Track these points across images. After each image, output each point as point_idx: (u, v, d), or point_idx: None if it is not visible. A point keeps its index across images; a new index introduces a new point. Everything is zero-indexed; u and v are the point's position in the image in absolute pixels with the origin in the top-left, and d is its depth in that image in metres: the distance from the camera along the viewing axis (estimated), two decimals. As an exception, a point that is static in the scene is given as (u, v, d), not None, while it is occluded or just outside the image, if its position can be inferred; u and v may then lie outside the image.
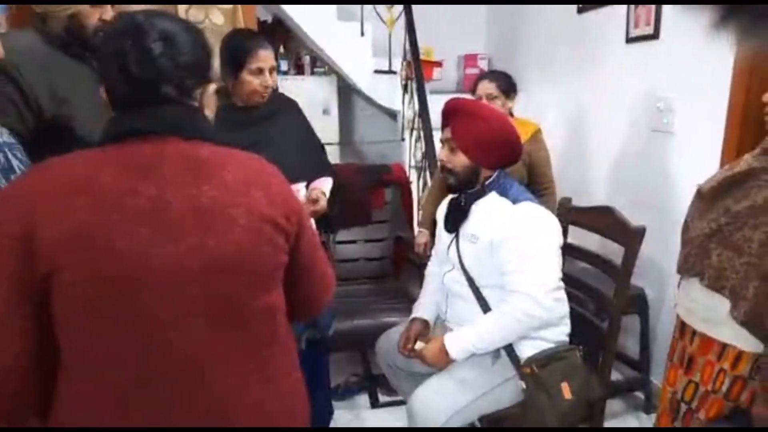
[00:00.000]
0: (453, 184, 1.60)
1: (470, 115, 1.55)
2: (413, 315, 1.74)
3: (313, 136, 1.89)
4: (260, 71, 1.59)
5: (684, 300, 1.33)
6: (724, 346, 1.22)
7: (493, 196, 1.56)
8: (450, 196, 1.70)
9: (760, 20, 0.50)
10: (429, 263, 1.86)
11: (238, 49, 1.59)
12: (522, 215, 1.50)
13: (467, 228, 1.58)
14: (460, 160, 1.56)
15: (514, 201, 1.52)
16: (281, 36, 3.77)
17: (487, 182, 1.58)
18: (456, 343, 1.49)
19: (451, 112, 1.59)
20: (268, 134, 1.65)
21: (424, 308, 1.75)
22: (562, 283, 1.58)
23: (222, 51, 1.62)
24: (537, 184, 2.24)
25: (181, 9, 2.83)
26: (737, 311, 1.16)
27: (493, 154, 1.56)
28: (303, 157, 1.76)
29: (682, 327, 1.33)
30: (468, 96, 2.17)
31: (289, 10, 3.39)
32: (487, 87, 2.17)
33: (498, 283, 1.51)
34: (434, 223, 2.48)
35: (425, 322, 1.72)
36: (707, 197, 1.27)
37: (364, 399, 2.37)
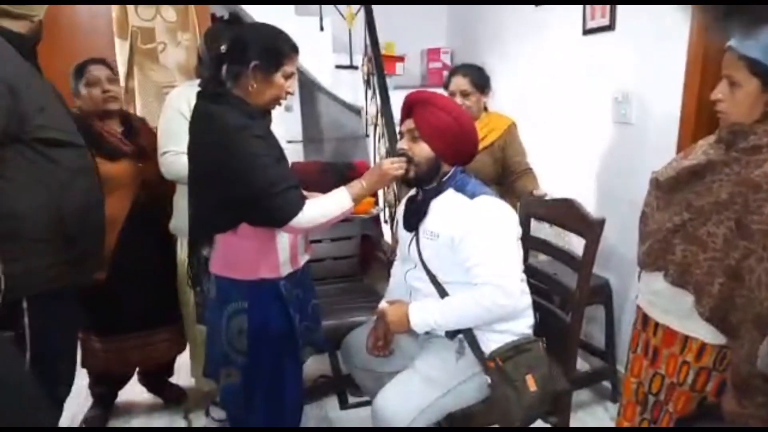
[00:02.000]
0: (413, 177, 1.57)
1: (433, 106, 1.54)
2: (379, 308, 1.72)
3: None
4: (292, 75, 1.47)
5: (645, 292, 1.33)
6: (687, 338, 1.22)
7: (450, 193, 1.55)
8: (408, 194, 1.68)
9: (760, 21, 0.49)
10: (395, 261, 1.84)
11: (277, 49, 1.43)
12: (480, 209, 1.49)
13: (426, 225, 1.56)
14: (423, 151, 1.53)
15: (472, 196, 1.51)
16: (239, 32, 3.68)
17: (444, 178, 1.56)
18: (418, 314, 1.49)
19: (413, 103, 1.58)
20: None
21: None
22: (524, 275, 1.58)
23: (252, 46, 1.42)
24: (515, 169, 2.16)
25: (131, 6, 2.72)
26: (702, 307, 1.16)
27: (453, 146, 1.54)
28: None
29: (644, 318, 1.34)
30: (437, 90, 2.15)
31: (246, 5, 3.31)
32: (460, 83, 2.11)
33: (460, 279, 1.50)
34: None
35: None
36: (665, 188, 1.27)
37: (333, 400, 2.33)
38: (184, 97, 1.87)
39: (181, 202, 1.92)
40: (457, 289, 1.51)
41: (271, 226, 1.43)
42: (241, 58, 1.40)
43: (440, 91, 2.08)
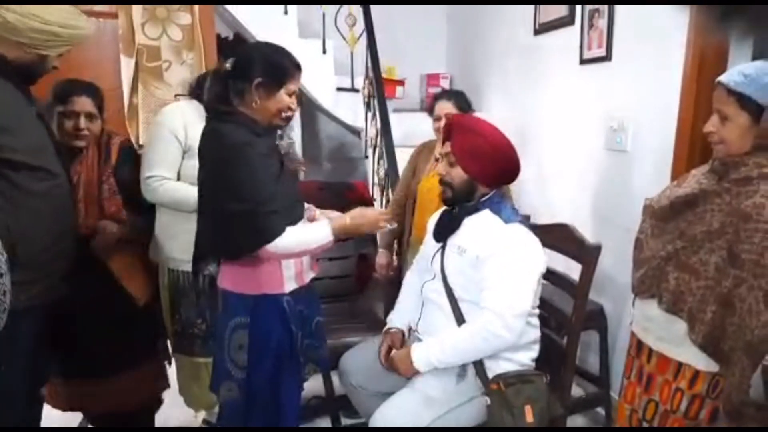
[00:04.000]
0: (449, 197, 1.62)
1: (470, 131, 1.58)
2: (388, 326, 1.74)
3: None
4: (295, 93, 1.50)
5: (640, 319, 1.34)
6: (680, 365, 1.23)
7: (486, 213, 1.57)
8: (443, 208, 1.71)
9: (760, 21, 0.51)
10: (408, 272, 1.86)
11: (280, 66, 1.46)
12: (511, 236, 1.51)
13: (455, 240, 1.59)
14: (458, 174, 1.58)
15: (507, 221, 1.53)
16: (242, 53, 3.73)
17: (482, 199, 1.59)
18: (421, 354, 1.50)
19: (453, 128, 1.63)
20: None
21: (398, 318, 1.75)
22: (537, 310, 1.60)
23: (256, 63, 1.44)
24: None
25: (138, 24, 2.77)
26: (695, 334, 1.18)
27: (490, 169, 1.57)
28: None
29: (638, 345, 1.34)
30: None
31: (250, 26, 3.37)
32: (445, 106, 2.20)
33: (475, 299, 1.51)
34: (394, 243, 2.49)
35: (401, 332, 1.72)
36: (659, 216, 1.29)
37: (325, 422, 2.31)
38: (179, 116, 1.83)
39: (168, 230, 1.88)
40: (470, 308, 1.52)
41: (248, 246, 1.40)
42: (245, 75, 1.42)
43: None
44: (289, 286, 1.52)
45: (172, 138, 1.81)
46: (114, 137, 1.90)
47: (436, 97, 2.27)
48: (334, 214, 1.67)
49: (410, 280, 1.81)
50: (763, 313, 1.07)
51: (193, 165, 1.65)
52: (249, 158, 1.37)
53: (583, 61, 2.47)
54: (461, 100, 2.23)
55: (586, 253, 1.61)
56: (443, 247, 1.61)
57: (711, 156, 1.26)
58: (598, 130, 2.40)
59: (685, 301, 1.19)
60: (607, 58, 2.30)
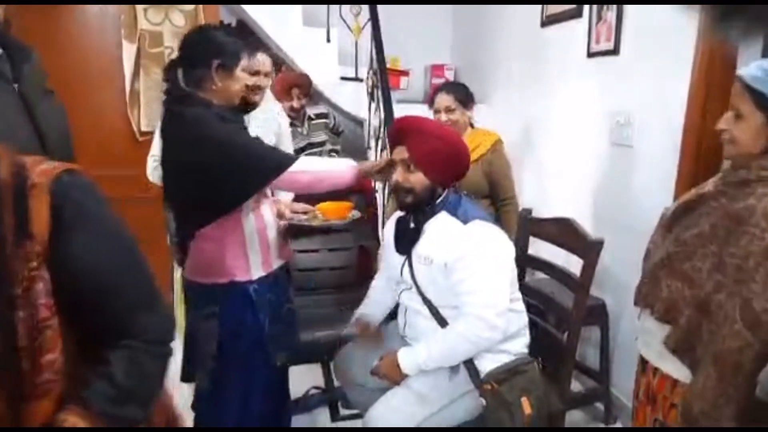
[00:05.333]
0: (410, 202, 1.53)
1: (425, 133, 1.52)
2: (356, 315, 1.76)
3: None
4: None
5: (643, 333, 1.29)
6: (675, 381, 1.18)
7: (443, 216, 1.52)
8: (397, 215, 1.65)
9: (760, 22, 0.49)
10: (377, 275, 1.84)
11: (234, 45, 1.49)
12: (473, 235, 1.47)
13: (419, 249, 1.53)
14: (419, 179, 1.50)
15: (465, 221, 1.49)
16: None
17: (437, 201, 1.54)
18: (408, 359, 1.49)
19: (404, 131, 1.54)
20: None
21: (365, 311, 1.77)
22: (519, 294, 1.58)
23: (210, 46, 1.47)
24: (498, 196, 2.24)
25: (140, 9, 2.74)
26: (669, 338, 1.13)
27: (448, 171, 1.54)
28: None
29: (643, 361, 1.29)
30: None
31: (254, 14, 3.33)
32: (444, 100, 2.17)
33: (454, 303, 1.49)
34: None
35: (368, 321, 1.74)
36: (666, 224, 1.23)
37: (324, 412, 2.31)
38: None
39: None
40: (452, 312, 1.51)
41: (270, 177, 1.45)
42: (203, 60, 1.44)
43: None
44: (256, 273, 1.54)
45: None
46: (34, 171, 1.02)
47: (436, 90, 2.25)
48: (300, 206, 1.75)
49: (377, 284, 1.80)
50: (737, 322, 1.02)
51: None
52: (229, 129, 1.43)
53: (590, 55, 2.43)
54: (461, 93, 2.20)
55: (588, 248, 1.60)
56: (409, 259, 1.56)
57: (720, 154, 1.21)
58: (603, 124, 2.37)
59: (680, 311, 1.13)
60: (615, 51, 2.26)
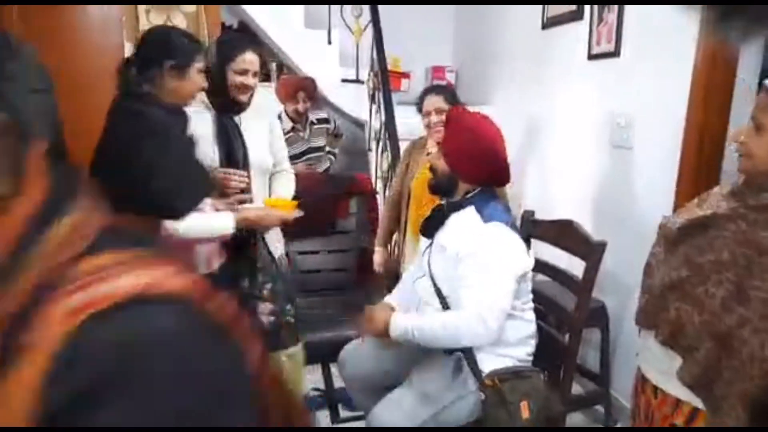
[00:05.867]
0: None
1: (462, 126, 1.58)
2: (383, 302, 1.75)
3: None
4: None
5: (643, 350, 1.25)
6: (678, 401, 1.14)
7: (469, 211, 1.56)
8: (436, 204, 1.71)
9: (760, 22, 0.49)
10: (409, 265, 1.88)
11: (188, 46, 1.53)
12: (488, 235, 1.49)
13: (440, 237, 1.59)
14: (442, 165, 1.59)
15: (487, 219, 1.51)
16: (247, 42, 3.71)
17: (468, 196, 1.58)
18: (400, 322, 1.49)
19: (448, 120, 1.63)
20: None
21: (394, 298, 1.76)
22: (531, 305, 1.59)
23: (164, 46, 1.50)
24: None
25: (141, 10, 2.74)
26: (684, 372, 1.08)
27: (473, 168, 1.56)
28: None
29: (643, 380, 1.24)
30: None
31: (255, 15, 3.34)
32: (435, 101, 2.17)
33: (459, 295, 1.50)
34: (392, 240, 2.48)
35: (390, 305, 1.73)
36: (670, 239, 1.17)
37: (324, 414, 2.31)
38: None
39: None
40: (457, 305, 1.51)
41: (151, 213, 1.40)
42: (156, 60, 1.46)
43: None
44: (199, 269, 1.55)
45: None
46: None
47: (425, 93, 2.25)
48: (253, 213, 1.70)
49: (406, 277, 1.82)
50: (766, 361, 0.96)
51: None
52: (163, 137, 1.41)
53: (591, 57, 2.44)
54: (449, 94, 2.21)
55: (591, 251, 1.59)
56: (431, 245, 1.62)
57: (719, 158, 1.18)
58: (604, 126, 2.37)
59: (684, 335, 1.08)
60: (616, 53, 2.27)
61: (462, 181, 1.58)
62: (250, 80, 1.71)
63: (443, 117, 2.15)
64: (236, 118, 1.77)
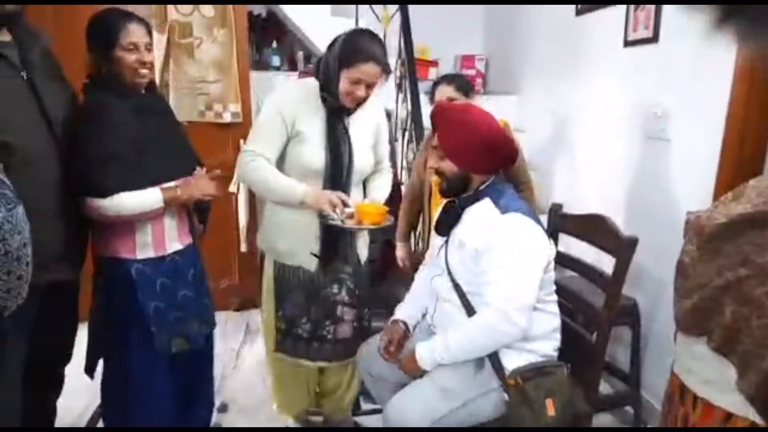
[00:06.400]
0: (445, 188, 1.58)
1: (456, 122, 1.51)
2: (393, 317, 1.71)
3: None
4: (134, 47, 1.52)
5: (683, 357, 1.15)
6: (730, 416, 1.04)
7: (485, 203, 1.51)
8: (447, 200, 1.65)
9: (760, 22, 0.45)
10: (421, 266, 1.80)
11: (107, 27, 1.51)
12: (508, 226, 1.44)
13: (457, 233, 1.54)
14: (449, 167, 1.53)
15: (504, 210, 1.46)
16: (274, 31, 3.70)
17: (481, 188, 1.53)
18: (426, 353, 1.47)
19: (435, 120, 1.56)
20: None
21: (405, 311, 1.72)
22: (554, 297, 1.53)
23: (90, 32, 1.52)
24: (512, 181, 2.17)
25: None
26: (745, 383, 0.99)
27: (482, 159, 1.51)
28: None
29: (681, 390, 1.15)
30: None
31: (283, 5, 3.32)
32: (446, 90, 2.12)
33: (481, 291, 1.46)
34: (411, 234, 2.44)
35: (405, 325, 1.68)
36: (711, 236, 1.08)
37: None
38: (293, 97, 1.74)
39: (273, 218, 1.82)
40: (479, 301, 1.47)
41: (79, 192, 1.45)
42: (90, 46, 1.50)
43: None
44: (143, 253, 1.53)
45: (278, 117, 1.69)
46: None
47: (436, 83, 2.20)
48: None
49: (422, 274, 1.77)
50: None
51: (298, 152, 1.71)
52: (103, 119, 1.45)
53: (627, 43, 2.33)
54: (461, 82, 2.15)
55: (622, 247, 1.53)
56: (447, 242, 1.57)
57: (762, 156, 1.09)
58: (639, 117, 2.27)
59: (740, 341, 0.99)
60: (654, 39, 2.16)
61: (475, 175, 1.53)
62: (362, 91, 1.65)
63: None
64: (346, 120, 1.75)
